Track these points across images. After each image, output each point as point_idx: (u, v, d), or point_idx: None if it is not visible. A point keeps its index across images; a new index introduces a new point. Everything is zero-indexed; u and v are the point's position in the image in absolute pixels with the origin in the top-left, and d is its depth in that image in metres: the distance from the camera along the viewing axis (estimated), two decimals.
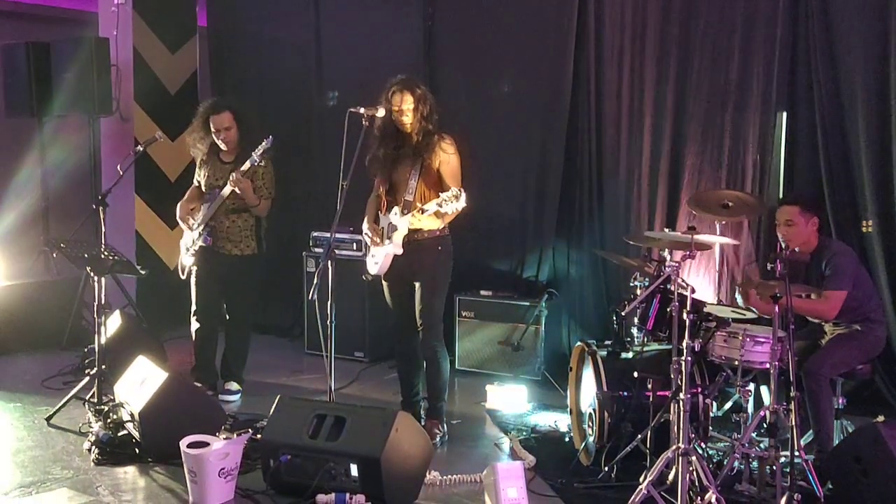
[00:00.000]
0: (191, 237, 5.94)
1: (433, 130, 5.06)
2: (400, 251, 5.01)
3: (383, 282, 5.26)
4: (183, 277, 6.04)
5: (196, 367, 6.12)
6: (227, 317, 6.13)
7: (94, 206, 5.99)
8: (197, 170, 6.08)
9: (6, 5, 8.55)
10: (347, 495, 4.19)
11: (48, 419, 5.51)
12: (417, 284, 5.13)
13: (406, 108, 5.01)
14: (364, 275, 5.28)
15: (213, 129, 5.86)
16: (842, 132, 5.70)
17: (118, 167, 6.09)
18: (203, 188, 5.98)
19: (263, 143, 5.62)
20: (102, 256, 5.51)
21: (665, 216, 6.32)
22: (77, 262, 5.85)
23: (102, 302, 5.58)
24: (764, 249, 5.94)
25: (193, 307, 6.02)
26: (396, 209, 5.02)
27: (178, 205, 6.05)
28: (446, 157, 5.05)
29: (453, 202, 4.66)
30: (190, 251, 5.95)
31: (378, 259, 5.12)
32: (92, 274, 5.59)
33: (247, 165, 5.66)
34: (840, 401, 4.83)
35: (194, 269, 5.96)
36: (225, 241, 5.88)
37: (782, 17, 5.85)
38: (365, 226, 5.20)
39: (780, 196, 5.96)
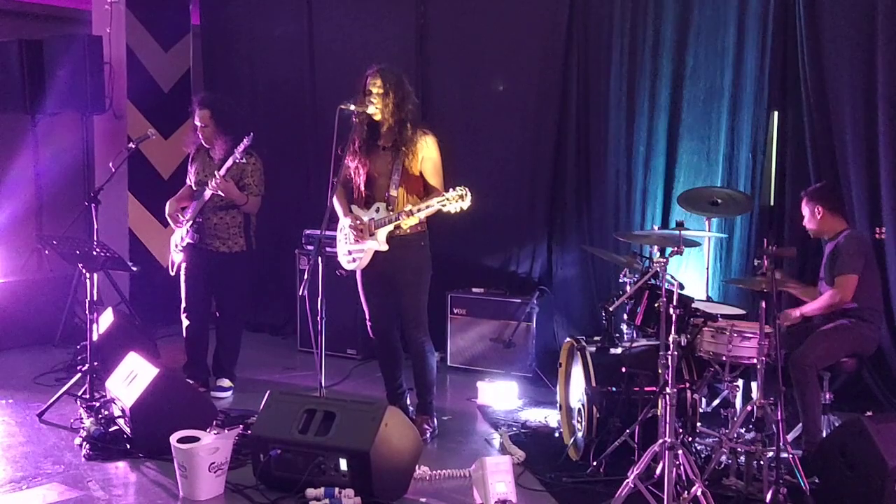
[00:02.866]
0: (179, 234, 5.96)
1: (409, 123, 4.99)
2: (385, 248, 4.98)
3: (359, 277, 5.25)
4: (172, 274, 6.06)
5: (187, 363, 6.13)
6: (218, 314, 6.14)
7: (86, 204, 6.00)
8: (189, 166, 6.10)
9: None
10: (336, 490, 4.21)
11: (40, 415, 5.53)
12: (402, 281, 5.11)
13: (375, 90, 4.96)
14: (338, 270, 5.27)
15: (196, 124, 5.90)
16: (829, 132, 5.72)
17: (110, 164, 6.11)
18: (193, 185, 6.00)
19: (244, 141, 5.62)
20: (94, 253, 5.53)
21: (659, 213, 6.34)
22: (69, 259, 5.86)
23: (95, 299, 5.61)
24: (755, 246, 5.97)
25: (182, 304, 6.04)
26: (380, 205, 4.98)
27: (168, 202, 6.07)
28: (428, 153, 5.02)
29: (457, 202, 4.63)
30: (178, 248, 5.97)
31: (359, 255, 5.10)
32: (84, 271, 5.61)
33: (229, 164, 5.67)
34: (827, 396, 4.87)
35: (183, 265, 5.98)
36: (213, 239, 5.89)
37: (773, 17, 5.88)
38: (346, 221, 5.11)
39: (773, 195, 6.04)
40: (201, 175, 5.91)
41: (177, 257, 5.99)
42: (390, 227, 4.96)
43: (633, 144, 6.42)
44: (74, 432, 5.21)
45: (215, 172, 5.69)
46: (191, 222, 5.85)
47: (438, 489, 4.55)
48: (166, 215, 6.03)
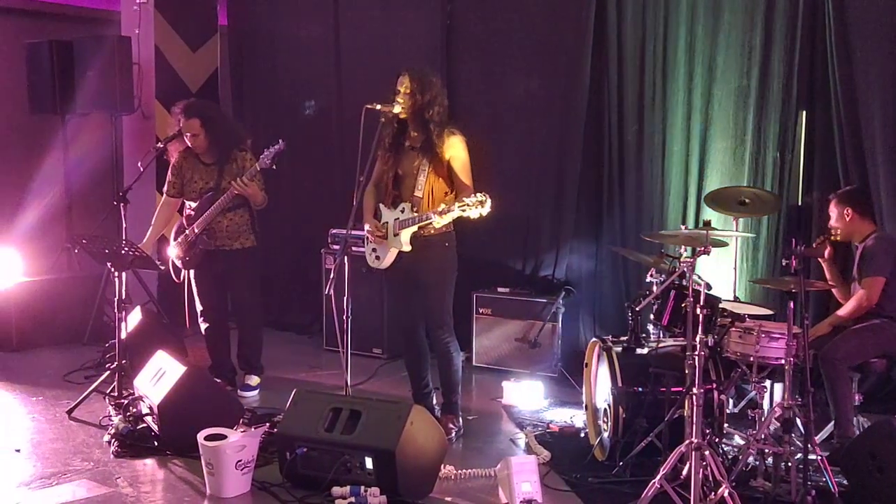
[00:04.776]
0: (185, 241, 5.92)
1: (435, 124, 4.97)
2: (408, 248, 4.99)
3: (385, 276, 5.25)
4: (178, 281, 6.07)
5: (213, 365, 6.17)
6: (235, 311, 6.14)
7: (115, 203, 6.04)
8: (172, 173, 5.99)
9: (30, 4, 8.66)
10: (362, 488, 4.22)
11: (69, 412, 5.58)
12: (426, 282, 5.11)
13: (402, 90, 4.96)
14: (363, 266, 5.29)
15: (182, 132, 5.84)
16: (857, 131, 5.66)
17: (139, 164, 6.15)
18: (190, 192, 5.91)
19: (274, 147, 5.62)
20: (123, 252, 5.58)
21: (692, 213, 6.30)
22: (98, 258, 5.92)
23: (123, 297, 5.66)
24: (783, 246, 5.94)
25: (199, 308, 6.06)
26: (405, 206, 4.98)
27: (174, 226, 6.06)
28: (456, 153, 5.01)
29: (477, 208, 4.59)
30: (186, 256, 5.93)
31: (382, 254, 5.10)
32: (113, 270, 5.66)
33: (257, 169, 5.67)
34: (857, 397, 4.83)
35: (192, 272, 5.99)
36: (225, 239, 5.88)
37: (801, 16, 5.84)
38: (367, 227, 5.12)
39: (801, 194, 6.00)
40: (201, 183, 5.88)
41: (181, 264, 5.98)
42: (414, 228, 4.96)
43: (667, 144, 6.38)
44: (103, 429, 5.26)
45: (240, 178, 5.67)
46: (201, 228, 5.82)
47: (464, 488, 4.55)
48: (174, 241, 6.02)
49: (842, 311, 5.03)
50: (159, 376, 5.10)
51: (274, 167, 5.72)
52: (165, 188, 6.04)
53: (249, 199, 5.81)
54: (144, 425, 5.11)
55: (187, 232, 5.90)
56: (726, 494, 3.95)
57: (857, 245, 5.14)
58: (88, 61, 7.61)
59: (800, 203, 6.06)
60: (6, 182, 8.55)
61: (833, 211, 5.16)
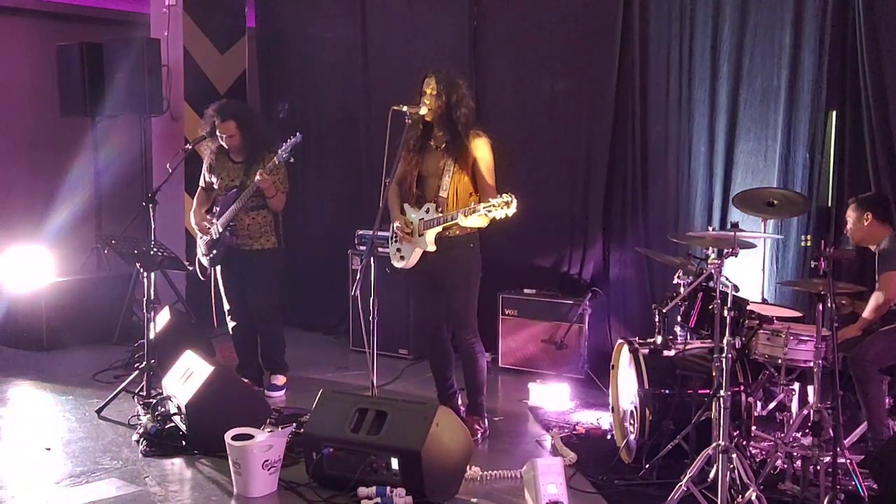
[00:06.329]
0: (210, 238, 5.96)
1: (461, 125, 4.98)
2: (433, 248, 4.99)
3: (409, 277, 5.25)
4: (202, 279, 6.10)
5: (240, 364, 6.20)
6: (255, 311, 6.14)
7: (144, 204, 6.09)
8: (205, 172, 6.07)
9: (61, 7, 8.77)
10: (388, 489, 4.24)
11: (99, 411, 5.63)
12: (451, 283, 5.11)
13: (428, 91, 4.97)
14: (387, 267, 5.29)
15: (217, 134, 5.87)
16: (888, 132, 5.60)
17: (168, 165, 6.20)
18: (217, 189, 5.98)
19: (292, 140, 5.60)
20: (152, 253, 5.62)
21: (715, 215, 6.26)
22: (128, 259, 5.97)
23: (152, 297, 5.70)
24: (812, 248, 5.88)
25: (226, 307, 6.09)
26: (430, 206, 4.99)
27: (192, 212, 6.10)
28: (482, 155, 5.01)
29: (503, 209, 4.59)
30: (210, 253, 5.96)
31: (406, 254, 5.11)
32: (142, 270, 5.71)
33: (275, 162, 5.64)
34: (887, 401, 4.78)
35: (218, 269, 6.02)
36: (245, 239, 5.88)
37: (831, 16, 5.78)
38: (396, 223, 5.12)
39: (831, 196, 5.95)
40: (227, 180, 5.91)
41: (206, 262, 6.02)
42: (439, 229, 4.96)
43: (693, 145, 6.34)
44: (132, 429, 5.30)
45: (260, 171, 5.67)
46: (224, 226, 5.86)
47: (489, 490, 4.55)
48: (197, 228, 6.05)
49: (865, 313, 4.94)
50: (187, 376, 5.14)
51: (292, 160, 5.71)
52: (202, 183, 6.10)
53: (265, 193, 5.81)
54: (172, 425, 5.15)
55: (211, 229, 5.94)
56: (754, 497, 3.94)
57: (873, 251, 5.05)
58: (118, 63, 7.68)
59: (829, 204, 6.00)
60: (37, 183, 8.68)
61: (851, 215, 5.07)
